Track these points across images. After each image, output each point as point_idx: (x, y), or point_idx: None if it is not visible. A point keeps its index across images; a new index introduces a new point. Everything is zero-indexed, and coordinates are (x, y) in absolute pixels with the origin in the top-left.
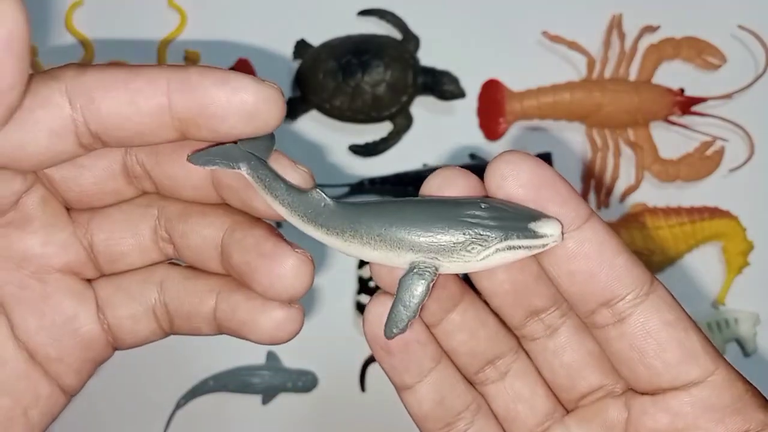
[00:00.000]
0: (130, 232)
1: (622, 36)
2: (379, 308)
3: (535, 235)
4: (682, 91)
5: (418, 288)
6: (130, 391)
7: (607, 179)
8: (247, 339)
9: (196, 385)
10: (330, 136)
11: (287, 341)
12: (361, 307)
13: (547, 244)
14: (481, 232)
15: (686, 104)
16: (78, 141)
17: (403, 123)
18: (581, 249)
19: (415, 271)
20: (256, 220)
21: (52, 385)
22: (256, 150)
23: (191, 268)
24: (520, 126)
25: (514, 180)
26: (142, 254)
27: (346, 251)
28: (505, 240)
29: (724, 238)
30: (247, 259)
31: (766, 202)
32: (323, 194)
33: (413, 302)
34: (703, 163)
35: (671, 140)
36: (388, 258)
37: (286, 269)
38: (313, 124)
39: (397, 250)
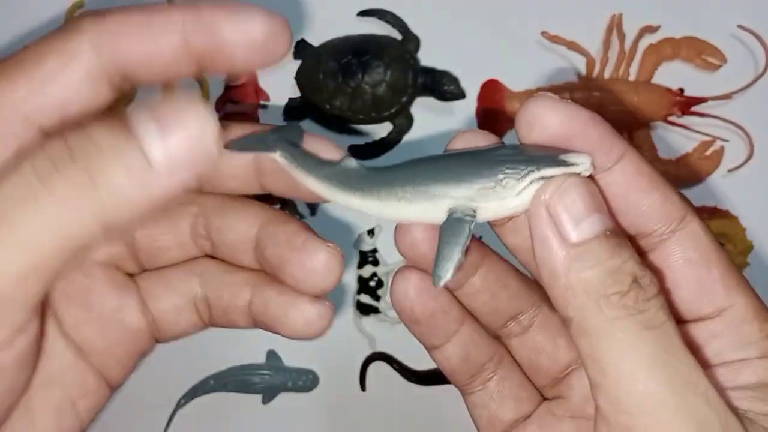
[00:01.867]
0: (170, 228)
1: (621, 36)
2: (403, 282)
3: (566, 164)
4: (681, 91)
5: (460, 232)
6: (130, 391)
7: None
8: (279, 333)
9: (197, 384)
10: (330, 136)
11: (317, 337)
12: (361, 307)
13: (579, 173)
14: (514, 166)
15: (686, 104)
16: (111, 86)
17: (403, 123)
18: (610, 191)
19: (454, 216)
20: (289, 216)
21: (98, 378)
22: (288, 137)
23: (228, 263)
24: None
25: (544, 119)
26: (182, 249)
27: (385, 213)
28: (537, 171)
29: (724, 239)
30: (280, 253)
31: (766, 202)
32: (354, 161)
33: (457, 247)
34: (702, 163)
35: (671, 140)
36: (426, 210)
37: (317, 262)
38: (313, 125)
39: (434, 199)
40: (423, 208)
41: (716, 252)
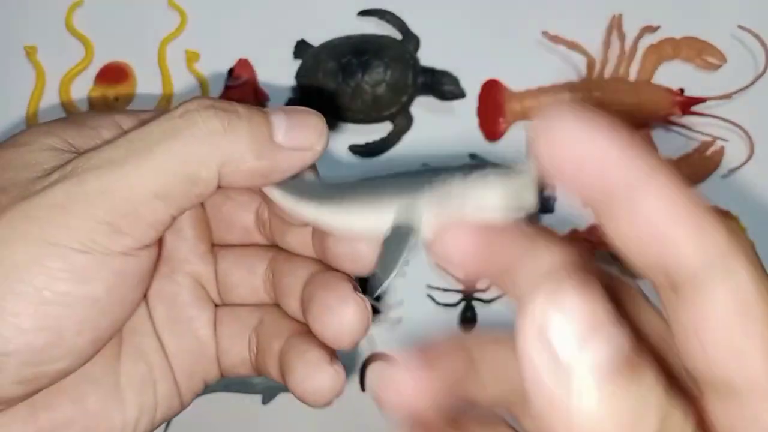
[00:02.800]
0: (247, 269)
1: (622, 36)
2: (374, 375)
3: (509, 168)
4: (681, 91)
5: (402, 243)
6: None
7: None
8: (290, 389)
9: None
10: (330, 136)
11: (323, 403)
12: None
13: (524, 179)
14: (454, 173)
15: (686, 104)
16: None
17: (403, 123)
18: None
19: (398, 227)
20: (338, 272)
21: (173, 384)
22: None
23: (283, 311)
24: (520, 126)
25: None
26: (253, 292)
27: (335, 224)
28: (481, 172)
29: None
30: (315, 291)
31: (766, 202)
32: (315, 175)
33: (397, 258)
34: (702, 163)
35: (671, 140)
36: (372, 221)
37: (345, 311)
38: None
39: (380, 210)
40: (369, 219)
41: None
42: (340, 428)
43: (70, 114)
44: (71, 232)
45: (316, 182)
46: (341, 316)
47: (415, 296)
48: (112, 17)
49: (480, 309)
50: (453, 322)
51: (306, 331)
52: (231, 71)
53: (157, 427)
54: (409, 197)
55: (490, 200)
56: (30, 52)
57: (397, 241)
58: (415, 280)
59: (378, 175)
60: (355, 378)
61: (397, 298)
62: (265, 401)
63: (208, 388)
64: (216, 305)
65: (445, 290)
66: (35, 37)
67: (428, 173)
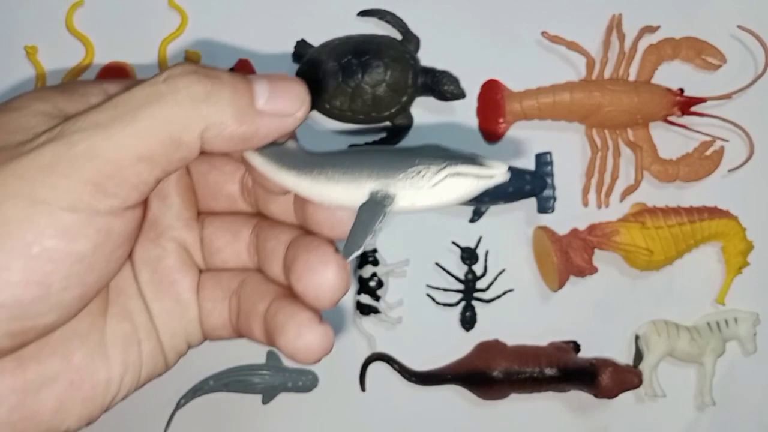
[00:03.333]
0: (232, 235)
1: (621, 36)
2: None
3: (480, 165)
4: (681, 91)
5: (376, 213)
6: None
7: (607, 179)
8: (278, 348)
9: (197, 384)
10: (330, 135)
11: (312, 361)
12: (361, 307)
13: (494, 176)
14: (431, 159)
15: (686, 104)
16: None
17: (403, 123)
18: None
19: (374, 198)
20: (319, 237)
21: (157, 344)
22: None
23: (265, 275)
24: (520, 126)
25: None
26: (237, 256)
27: (314, 192)
28: (453, 166)
29: (724, 238)
30: (297, 252)
31: (766, 202)
32: (297, 144)
33: (370, 226)
34: (702, 163)
35: (671, 140)
36: (350, 191)
37: (326, 270)
38: (313, 124)
39: (358, 182)
40: (348, 189)
41: None
42: (340, 428)
43: (61, 83)
44: (59, 192)
45: (297, 150)
46: (323, 275)
47: (415, 296)
48: (112, 17)
49: (480, 308)
50: (453, 321)
51: (290, 294)
52: (231, 71)
53: (141, 386)
54: (385, 179)
55: (457, 192)
56: (30, 52)
57: (371, 211)
58: (415, 280)
59: (357, 147)
60: (355, 376)
61: (397, 298)
62: (265, 401)
63: (208, 388)
64: (200, 270)
65: (445, 290)
66: (35, 37)
67: (405, 155)
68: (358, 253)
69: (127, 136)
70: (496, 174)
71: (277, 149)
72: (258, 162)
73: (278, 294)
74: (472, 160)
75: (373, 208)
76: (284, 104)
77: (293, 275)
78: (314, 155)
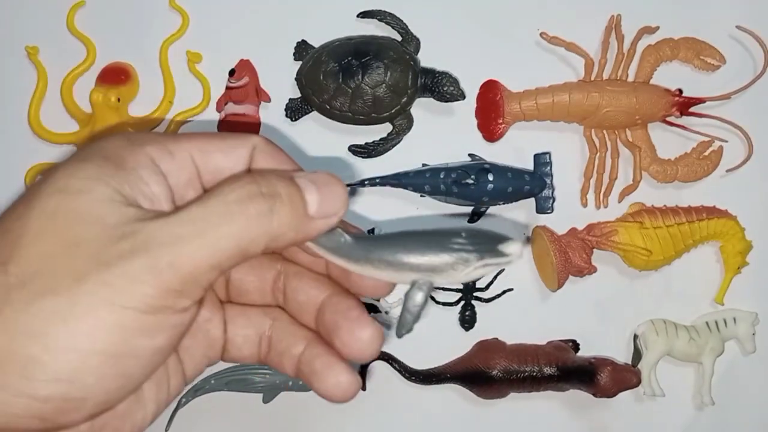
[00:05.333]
0: (258, 276)
1: (620, 37)
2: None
3: (502, 255)
4: (680, 91)
5: (419, 298)
6: None
7: (606, 179)
8: (314, 389)
9: (198, 383)
10: (330, 136)
11: (343, 401)
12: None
13: (510, 261)
14: (464, 256)
15: (684, 105)
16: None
17: (403, 124)
18: None
19: (415, 286)
20: (351, 294)
21: (179, 365)
22: None
23: (293, 317)
24: (519, 126)
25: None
26: (261, 295)
27: (363, 273)
28: (481, 260)
29: (723, 238)
30: (337, 320)
31: (765, 201)
32: (343, 232)
33: (416, 309)
34: (701, 163)
35: (669, 141)
36: (394, 278)
37: (364, 334)
38: (313, 125)
39: (401, 272)
40: (392, 276)
41: None
42: (341, 428)
43: (100, 144)
44: (146, 299)
45: (341, 237)
46: (367, 343)
47: None
48: (113, 18)
49: (479, 308)
50: (452, 321)
51: (323, 341)
52: (232, 71)
53: None
54: (426, 273)
55: (482, 274)
56: (31, 53)
57: (414, 298)
58: None
59: (400, 233)
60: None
61: (397, 297)
62: (265, 400)
63: (209, 388)
64: (222, 302)
65: (445, 290)
66: (37, 38)
67: (442, 248)
68: (408, 333)
69: (206, 251)
70: (514, 257)
71: (327, 237)
72: (315, 249)
73: (311, 339)
74: (495, 250)
75: (416, 295)
76: (331, 207)
77: (338, 341)
78: (359, 241)
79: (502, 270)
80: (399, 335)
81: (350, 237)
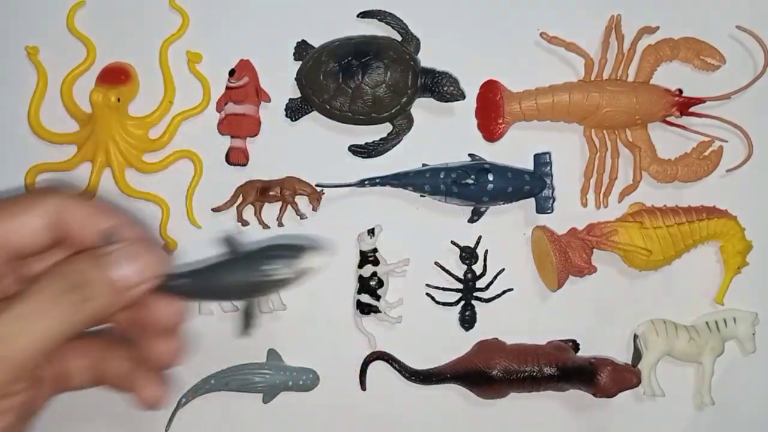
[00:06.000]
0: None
1: (620, 37)
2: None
3: (306, 267)
4: (680, 91)
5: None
6: None
7: (606, 179)
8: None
9: (198, 383)
10: (330, 136)
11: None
12: (361, 307)
13: (314, 270)
14: (271, 271)
15: (684, 105)
16: (51, 239)
17: (403, 124)
18: None
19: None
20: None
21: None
22: None
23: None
24: (519, 126)
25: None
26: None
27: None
28: (290, 268)
29: (723, 238)
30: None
31: (765, 201)
32: (166, 276)
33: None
34: (701, 163)
35: (669, 140)
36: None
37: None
38: (313, 125)
39: (224, 299)
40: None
41: None
42: (340, 428)
43: None
44: None
45: (166, 281)
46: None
47: (414, 296)
48: (113, 18)
49: (479, 308)
50: (452, 320)
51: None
52: (232, 71)
53: None
54: (245, 294)
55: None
56: (31, 53)
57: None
58: (415, 280)
59: (216, 262)
60: (355, 376)
61: (397, 297)
62: (265, 400)
63: (209, 388)
64: None
65: (445, 289)
66: (36, 38)
67: (254, 265)
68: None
69: (31, 344)
70: (316, 267)
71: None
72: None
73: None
74: (298, 263)
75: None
76: (144, 276)
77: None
78: (179, 280)
79: (502, 270)
80: (241, 334)
81: (170, 279)
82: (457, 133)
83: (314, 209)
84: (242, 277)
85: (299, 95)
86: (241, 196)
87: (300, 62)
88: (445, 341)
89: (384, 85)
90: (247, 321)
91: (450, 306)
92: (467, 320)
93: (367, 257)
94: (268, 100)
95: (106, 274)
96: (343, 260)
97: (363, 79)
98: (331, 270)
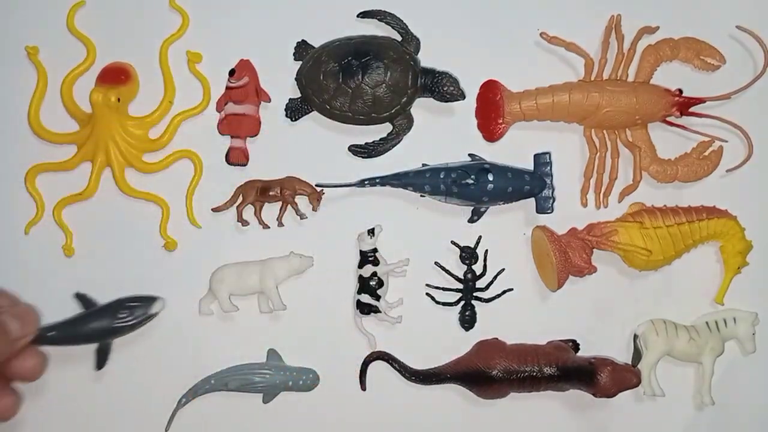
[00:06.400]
0: None
1: (620, 37)
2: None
3: (153, 314)
4: (680, 91)
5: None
6: (132, 390)
7: (606, 179)
8: None
9: (198, 383)
10: (330, 136)
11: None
12: (361, 307)
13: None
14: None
15: (684, 105)
16: None
17: (403, 124)
18: None
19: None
20: None
21: None
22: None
23: None
24: (519, 126)
25: None
26: None
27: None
28: (137, 320)
29: (723, 238)
30: None
31: (765, 201)
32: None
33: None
34: (701, 163)
35: (669, 140)
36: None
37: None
38: (313, 125)
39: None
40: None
41: None
42: (340, 428)
43: None
44: None
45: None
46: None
47: (414, 296)
48: (113, 18)
49: (479, 308)
50: (452, 320)
51: None
52: (232, 71)
53: None
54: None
55: None
56: (31, 53)
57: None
58: (415, 280)
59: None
60: (355, 376)
61: (397, 297)
62: (265, 400)
63: (209, 388)
64: None
65: (445, 289)
66: (37, 38)
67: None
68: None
69: None
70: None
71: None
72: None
73: None
74: (147, 312)
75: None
76: (28, 330)
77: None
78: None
79: (502, 270)
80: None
81: (44, 332)
82: (457, 133)
83: (314, 209)
84: (99, 325)
85: (299, 95)
86: (241, 196)
87: (300, 62)
88: (445, 341)
89: (384, 85)
90: (102, 358)
91: (450, 306)
92: (467, 320)
93: (367, 257)
94: (268, 100)
95: (1, 327)
96: (343, 260)
97: (363, 79)
98: (331, 270)
